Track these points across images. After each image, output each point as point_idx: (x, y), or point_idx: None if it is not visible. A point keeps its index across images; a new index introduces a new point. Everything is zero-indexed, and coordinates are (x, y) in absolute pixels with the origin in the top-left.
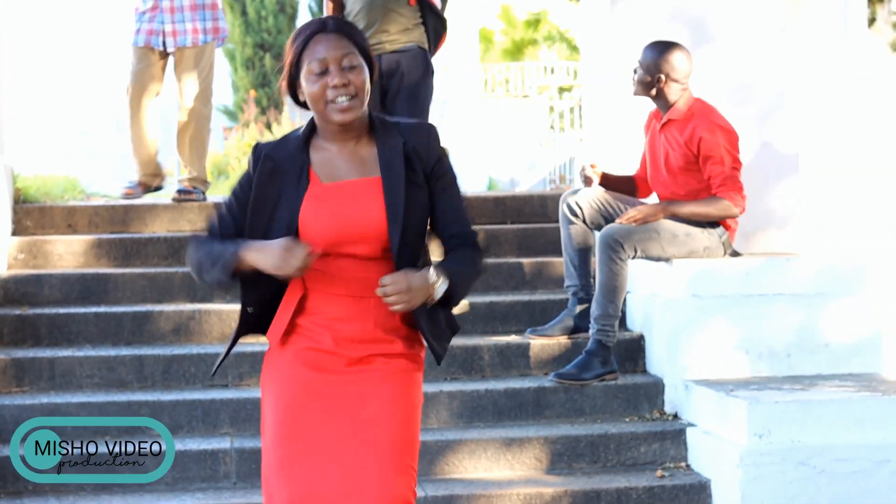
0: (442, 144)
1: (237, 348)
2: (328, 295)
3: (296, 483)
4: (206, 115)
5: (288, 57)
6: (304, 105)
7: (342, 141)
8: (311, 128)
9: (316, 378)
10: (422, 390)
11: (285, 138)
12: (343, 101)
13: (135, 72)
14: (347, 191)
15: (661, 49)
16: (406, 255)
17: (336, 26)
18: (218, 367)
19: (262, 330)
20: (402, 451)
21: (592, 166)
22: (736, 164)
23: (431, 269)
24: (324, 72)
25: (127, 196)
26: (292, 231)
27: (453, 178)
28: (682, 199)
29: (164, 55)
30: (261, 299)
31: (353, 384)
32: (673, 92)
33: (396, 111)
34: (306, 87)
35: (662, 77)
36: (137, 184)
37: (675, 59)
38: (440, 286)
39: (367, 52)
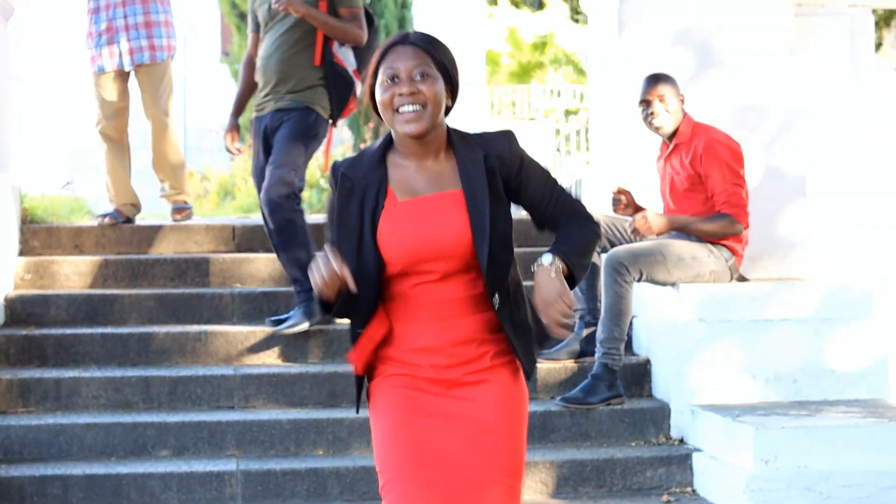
0: (521, 148)
1: (243, 369)
2: (413, 324)
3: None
4: (173, 128)
5: (370, 68)
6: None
7: (419, 156)
8: (388, 143)
9: (422, 399)
10: (527, 400)
11: (361, 154)
12: (408, 109)
13: (101, 99)
14: (425, 206)
15: (653, 80)
16: (495, 268)
17: (415, 39)
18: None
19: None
20: (514, 470)
21: (620, 191)
22: (738, 181)
23: (546, 257)
24: (394, 81)
25: (106, 223)
26: (371, 248)
27: (543, 172)
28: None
29: (125, 75)
30: (353, 332)
31: (459, 407)
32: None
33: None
34: (378, 96)
35: (661, 101)
36: (116, 212)
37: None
38: (552, 266)
39: (448, 67)
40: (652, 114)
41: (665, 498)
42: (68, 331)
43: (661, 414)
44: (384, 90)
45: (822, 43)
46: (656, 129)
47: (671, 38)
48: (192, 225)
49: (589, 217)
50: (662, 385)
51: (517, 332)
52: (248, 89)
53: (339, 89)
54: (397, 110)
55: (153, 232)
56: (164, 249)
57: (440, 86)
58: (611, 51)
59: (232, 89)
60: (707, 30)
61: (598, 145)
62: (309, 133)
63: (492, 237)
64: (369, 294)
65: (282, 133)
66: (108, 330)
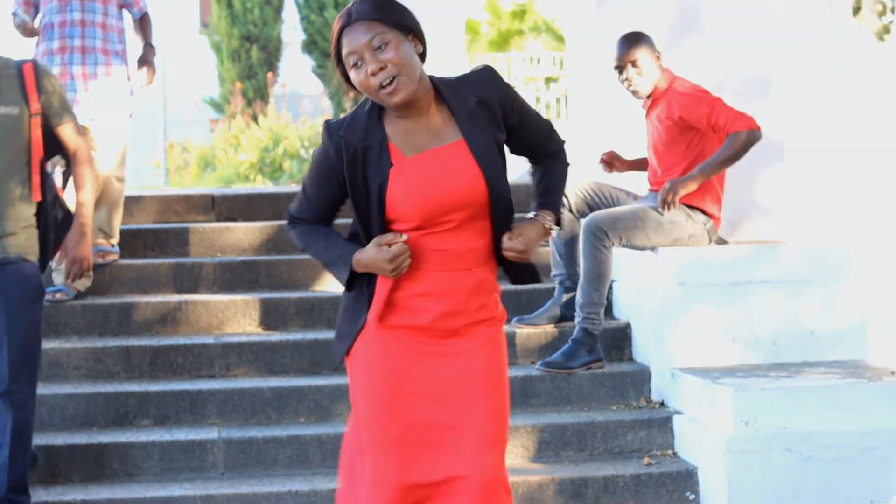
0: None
1: (224, 338)
2: (423, 271)
3: (391, 464)
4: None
5: (332, 56)
6: None
7: (413, 114)
8: (378, 104)
9: (412, 360)
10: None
11: (353, 116)
12: (387, 83)
13: None
14: (434, 160)
15: (624, 45)
16: (502, 209)
17: (359, 14)
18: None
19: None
20: (498, 424)
21: (607, 157)
22: (718, 103)
23: (546, 216)
24: (359, 64)
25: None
26: (382, 203)
27: (526, 104)
28: (675, 173)
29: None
30: (363, 278)
31: (448, 363)
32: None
33: None
34: (354, 78)
35: (635, 65)
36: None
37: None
38: (553, 228)
39: (403, 20)
40: (627, 80)
41: (646, 461)
42: (49, 302)
43: (642, 377)
44: (356, 76)
45: (799, 8)
46: (633, 94)
47: (649, 5)
48: (172, 195)
49: (565, 154)
50: (642, 349)
51: (515, 267)
52: None
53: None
54: (378, 89)
55: (133, 202)
56: (144, 220)
57: (404, 46)
58: (589, 18)
59: (211, 60)
60: None
61: (578, 113)
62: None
63: (503, 181)
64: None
65: None
66: (89, 300)
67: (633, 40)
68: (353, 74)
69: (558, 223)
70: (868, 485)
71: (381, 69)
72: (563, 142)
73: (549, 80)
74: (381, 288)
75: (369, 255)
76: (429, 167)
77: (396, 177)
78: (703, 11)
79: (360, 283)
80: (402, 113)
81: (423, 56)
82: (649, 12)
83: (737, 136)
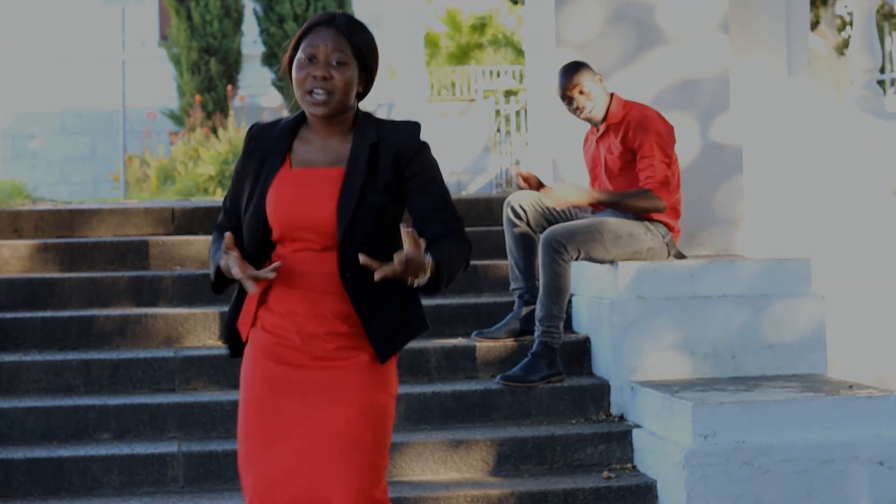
0: (423, 140)
1: (184, 351)
2: (289, 288)
3: (260, 476)
4: None
5: (293, 40)
6: None
7: (325, 133)
8: (302, 117)
9: (281, 373)
10: (395, 379)
11: (277, 122)
12: (319, 94)
13: None
14: (309, 178)
15: (566, 74)
16: (350, 251)
17: (339, 24)
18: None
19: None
20: (368, 448)
21: (522, 176)
22: (666, 159)
23: (429, 255)
24: (311, 62)
25: None
26: (261, 211)
27: (433, 175)
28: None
29: None
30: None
31: (321, 380)
32: (600, 98)
33: None
34: (294, 72)
35: (581, 92)
36: None
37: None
38: (425, 276)
39: (365, 54)
40: (578, 108)
41: (605, 474)
42: (8, 315)
43: (601, 391)
44: (300, 68)
45: (758, 19)
46: (588, 120)
47: (608, 16)
48: (132, 208)
49: (465, 240)
50: (602, 362)
51: (374, 315)
52: None
53: None
54: (309, 92)
55: (92, 215)
56: (104, 233)
57: (352, 74)
58: (548, 30)
59: (170, 73)
60: (643, 7)
61: (537, 126)
62: None
63: (356, 217)
64: (255, 253)
65: None
66: (48, 314)
67: (574, 68)
68: (296, 67)
69: (438, 273)
70: (826, 498)
71: (325, 79)
72: (463, 224)
73: (508, 94)
74: (249, 305)
75: (232, 270)
76: (300, 183)
77: (275, 184)
78: (660, 23)
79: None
80: (317, 126)
81: (361, 96)
82: (606, 24)
83: (646, 195)
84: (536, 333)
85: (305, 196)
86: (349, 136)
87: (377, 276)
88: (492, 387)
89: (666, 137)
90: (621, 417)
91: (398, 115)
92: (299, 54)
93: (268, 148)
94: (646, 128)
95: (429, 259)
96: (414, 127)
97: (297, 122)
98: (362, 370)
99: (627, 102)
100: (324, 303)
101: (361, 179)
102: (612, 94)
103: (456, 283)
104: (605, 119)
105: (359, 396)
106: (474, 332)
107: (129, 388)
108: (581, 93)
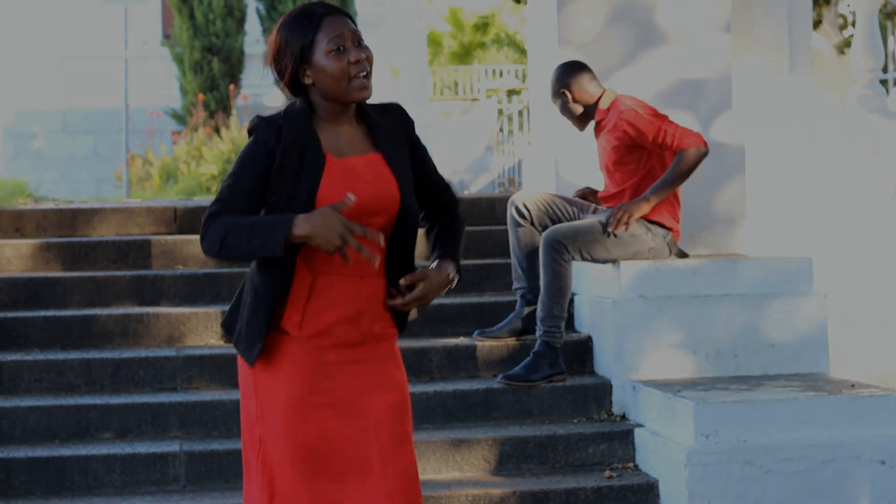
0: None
1: (186, 351)
2: (333, 276)
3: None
4: None
5: (291, 43)
6: (297, 92)
7: (340, 120)
8: (308, 106)
9: (324, 372)
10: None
11: (286, 113)
12: (364, 76)
13: None
14: (360, 165)
15: (558, 73)
16: (409, 222)
17: (334, 9)
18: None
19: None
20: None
21: (578, 193)
22: (664, 120)
23: (449, 266)
24: (342, 51)
25: None
26: (311, 206)
27: (424, 149)
28: (625, 194)
29: None
30: (276, 281)
31: (358, 376)
32: (588, 99)
33: None
34: (327, 65)
35: (568, 94)
36: None
37: (569, 75)
38: (454, 279)
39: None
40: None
41: (607, 473)
42: (10, 314)
43: (603, 390)
44: (336, 60)
45: (760, 19)
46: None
47: (610, 16)
48: (134, 207)
49: (460, 210)
50: (604, 362)
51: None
52: None
53: None
54: (354, 77)
55: (94, 215)
56: (106, 232)
57: None
58: (550, 30)
59: (173, 72)
60: (645, 6)
61: (539, 125)
62: None
63: (413, 197)
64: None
65: None
66: (50, 313)
67: (561, 71)
68: (328, 59)
69: (459, 273)
70: (828, 498)
71: (367, 59)
72: (458, 199)
73: (511, 93)
74: (297, 296)
75: (322, 217)
76: (357, 171)
77: (327, 177)
78: (661, 23)
79: (267, 279)
80: (333, 114)
81: None
82: (608, 24)
83: (684, 155)
84: (538, 333)
85: (365, 183)
86: (357, 124)
87: (399, 304)
88: (493, 386)
89: (646, 107)
90: (623, 417)
91: None
92: (324, 49)
93: (302, 138)
94: (627, 119)
95: (451, 272)
96: (399, 106)
97: (307, 113)
98: (393, 360)
99: (615, 100)
100: (367, 289)
101: (404, 158)
102: (604, 91)
103: (458, 282)
104: (594, 116)
105: (397, 375)
106: (476, 332)
107: (130, 388)
108: (565, 96)
